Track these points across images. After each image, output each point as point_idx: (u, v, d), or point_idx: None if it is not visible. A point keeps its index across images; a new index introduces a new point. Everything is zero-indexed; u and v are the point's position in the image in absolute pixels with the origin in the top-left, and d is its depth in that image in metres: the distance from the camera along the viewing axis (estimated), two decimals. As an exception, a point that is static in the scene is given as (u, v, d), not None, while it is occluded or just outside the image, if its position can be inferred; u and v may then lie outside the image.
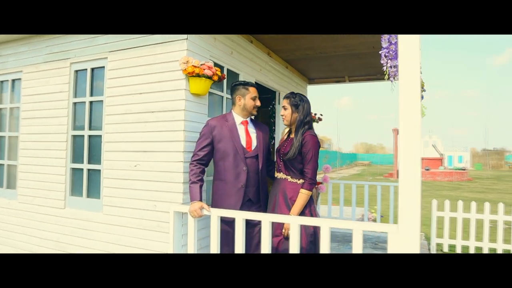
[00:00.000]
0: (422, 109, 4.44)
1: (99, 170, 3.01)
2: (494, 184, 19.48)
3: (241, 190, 2.46)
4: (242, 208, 2.46)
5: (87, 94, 3.10)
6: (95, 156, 3.06)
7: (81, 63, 3.14)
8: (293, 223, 2.13)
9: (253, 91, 2.57)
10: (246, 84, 2.58)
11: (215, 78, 2.69)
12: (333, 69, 5.28)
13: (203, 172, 2.49)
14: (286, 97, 2.55)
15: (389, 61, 2.22)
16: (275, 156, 2.65)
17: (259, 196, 2.55)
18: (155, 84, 2.74)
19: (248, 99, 2.55)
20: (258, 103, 2.58)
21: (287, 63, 4.95)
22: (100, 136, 3.02)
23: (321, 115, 5.66)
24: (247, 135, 2.55)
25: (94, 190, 3.06)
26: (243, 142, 2.52)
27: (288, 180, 2.47)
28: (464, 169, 27.68)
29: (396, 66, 2.24)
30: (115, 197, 2.88)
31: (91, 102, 3.10)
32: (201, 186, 2.43)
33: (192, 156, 2.51)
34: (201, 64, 2.58)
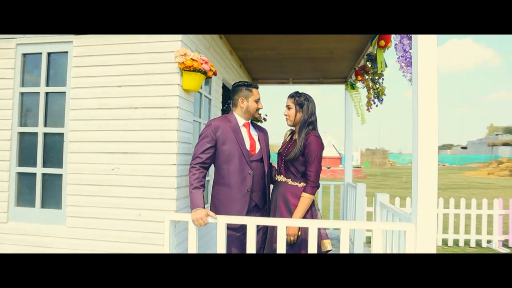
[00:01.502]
0: (363, 116, 4.85)
1: (60, 175, 2.52)
2: (384, 180, 22.34)
3: (247, 195, 2.33)
4: (249, 214, 2.33)
5: (42, 84, 2.57)
6: (53, 158, 2.56)
7: (32, 46, 2.58)
8: (312, 226, 2.10)
9: (256, 93, 2.45)
10: (249, 85, 2.45)
11: (210, 74, 2.49)
12: (283, 70, 5.39)
13: (205, 176, 2.29)
14: (290, 96, 2.49)
15: (408, 68, 2.36)
16: (277, 159, 2.56)
17: (266, 201, 2.46)
18: (140, 77, 2.41)
19: (252, 101, 2.43)
20: (260, 105, 2.47)
21: (241, 62, 4.88)
22: (62, 134, 2.53)
23: (266, 115, 5.73)
24: (251, 138, 2.43)
25: (52, 199, 2.55)
26: (247, 145, 2.39)
27: (289, 183, 2.41)
28: (359, 167, 31.06)
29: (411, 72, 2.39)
30: (84, 207, 2.45)
31: (47, 94, 2.58)
32: (203, 192, 2.23)
33: (194, 159, 2.28)
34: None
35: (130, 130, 2.41)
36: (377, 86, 3.57)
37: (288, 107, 2.47)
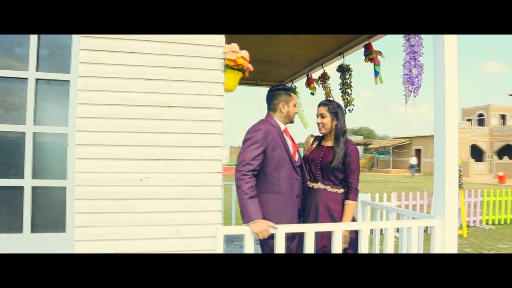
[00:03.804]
0: (304, 120, 5.19)
1: (62, 189, 1.95)
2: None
3: (296, 201, 2.27)
4: (298, 220, 2.27)
5: (30, 67, 1.92)
6: (48, 166, 1.95)
7: (14, 15, 1.91)
8: (364, 229, 2.20)
9: (294, 98, 2.40)
10: (288, 89, 2.38)
11: (247, 74, 2.31)
12: (252, 72, 5.25)
13: (256, 185, 2.12)
14: (323, 104, 2.50)
15: (409, 86, 2.64)
16: (307, 165, 2.54)
17: (305, 206, 2.42)
18: (175, 70, 2.06)
19: (292, 106, 2.37)
20: (297, 110, 2.43)
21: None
22: (64, 135, 1.96)
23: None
24: (293, 143, 2.36)
25: (48, 220, 1.94)
26: (291, 150, 2.31)
27: (328, 190, 2.44)
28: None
29: (410, 90, 2.69)
30: (100, 227, 1.95)
31: (37, 81, 1.95)
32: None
33: (244, 166, 2.09)
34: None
35: (164, 133, 2.04)
36: (347, 96, 3.88)
37: (322, 116, 2.49)
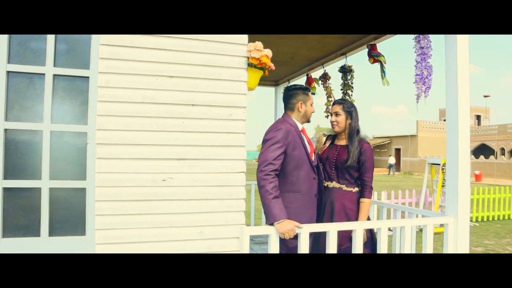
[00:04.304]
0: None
1: (82, 190, 1.86)
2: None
3: (315, 201, 2.27)
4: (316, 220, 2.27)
5: (47, 62, 1.83)
6: (66, 166, 1.86)
7: (30, 7, 1.81)
8: (383, 227, 2.22)
9: (311, 97, 2.40)
10: (305, 89, 2.37)
11: (267, 73, 2.28)
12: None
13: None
14: (338, 103, 2.51)
15: (422, 86, 2.68)
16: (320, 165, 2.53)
17: (320, 205, 2.42)
18: (199, 68, 2.01)
19: (309, 105, 2.36)
20: (314, 109, 2.42)
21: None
22: (83, 134, 1.87)
23: None
24: (310, 143, 2.35)
25: (66, 223, 1.85)
26: (309, 150, 2.30)
27: (343, 189, 2.45)
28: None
29: (423, 90, 2.73)
30: (122, 229, 1.88)
31: (55, 76, 1.85)
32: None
33: (266, 165, 2.06)
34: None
35: (187, 132, 1.99)
36: (347, 97, 3.90)
37: (337, 114, 2.50)
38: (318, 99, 4.67)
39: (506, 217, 8.66)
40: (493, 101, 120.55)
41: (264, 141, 2.19)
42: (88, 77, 1.88)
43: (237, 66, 2.07)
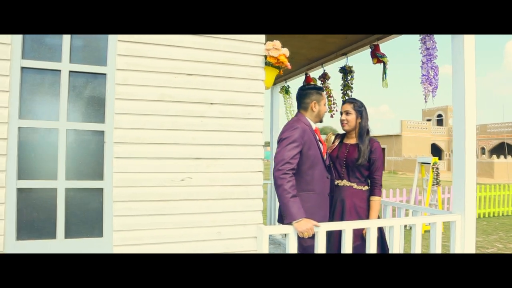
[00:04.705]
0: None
1: (99, 190, 1.81)
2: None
3: (328, 200, 2.28)
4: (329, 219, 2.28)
5: (63, 59, 1.77)
6: (82, 166, 1.81)
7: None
8: (396, 224, 2.25)
9: (324, 97, 2.40)
10: (319, 88, 2.38)
11: (281, 72, 2.28)
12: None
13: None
14: (349, 102, 2.52)
15: (428, 86, 2.73)
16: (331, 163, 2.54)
17: (331, 204, 2.43)
18: (218, 66, 1.99)
19: (322, 105, 2.37)
20: (326, 109, 2.43)
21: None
22: (100, 132, 1.82)
23: None
24: (323, 143, 2.35)
25: (82, 225, 1.80)
26: (322, 149, 2.31)
27: (354, 187, 2.47)
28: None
29: (430, 90, 2.77)
30: (140, 230, 1.84)
31: (70, 73, 1.79)
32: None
33: (284, 164, 2.06)
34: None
35: (205, 130, 1.96)
36: (346, 98, 3.92)
37: (347, 113, 2.51)
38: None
39: (491, 215, 8.92)
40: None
41: (281, 140, 2.18)
42: (105, 74, 1.83)
43: (255, 65, 2.05)
